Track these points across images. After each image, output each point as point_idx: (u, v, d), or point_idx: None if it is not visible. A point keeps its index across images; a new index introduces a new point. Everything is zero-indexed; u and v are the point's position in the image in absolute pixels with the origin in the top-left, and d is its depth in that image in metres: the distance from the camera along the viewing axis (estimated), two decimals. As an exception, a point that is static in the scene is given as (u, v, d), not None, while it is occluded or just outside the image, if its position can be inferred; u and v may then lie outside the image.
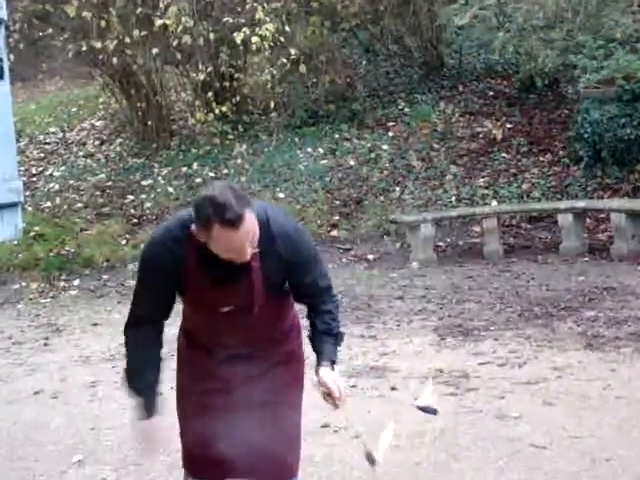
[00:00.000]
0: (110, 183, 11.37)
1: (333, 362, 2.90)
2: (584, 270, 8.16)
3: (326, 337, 2.93)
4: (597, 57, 9.81)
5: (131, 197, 10.99)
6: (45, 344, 7.22)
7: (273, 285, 2.83)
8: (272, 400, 2.91)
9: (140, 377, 2.88)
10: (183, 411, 3.00)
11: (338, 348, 2.96)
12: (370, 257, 9.45)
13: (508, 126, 11.10)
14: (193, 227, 2.65)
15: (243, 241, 2.61)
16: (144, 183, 11.22)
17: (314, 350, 2.94)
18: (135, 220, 10.50)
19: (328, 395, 2.85)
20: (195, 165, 11.32)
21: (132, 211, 10.69)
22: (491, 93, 11.93)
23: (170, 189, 10.93)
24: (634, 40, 10.83)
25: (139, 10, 11.11)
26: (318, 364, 2.89)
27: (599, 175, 9.74)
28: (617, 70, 9.38)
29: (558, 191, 9.93)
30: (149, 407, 2.87)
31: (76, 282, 9.29)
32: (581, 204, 9.06)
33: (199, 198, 2.64)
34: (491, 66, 12.25)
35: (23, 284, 9.28)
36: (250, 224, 2.61)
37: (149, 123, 11.86)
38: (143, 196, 10.94)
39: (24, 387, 6.05)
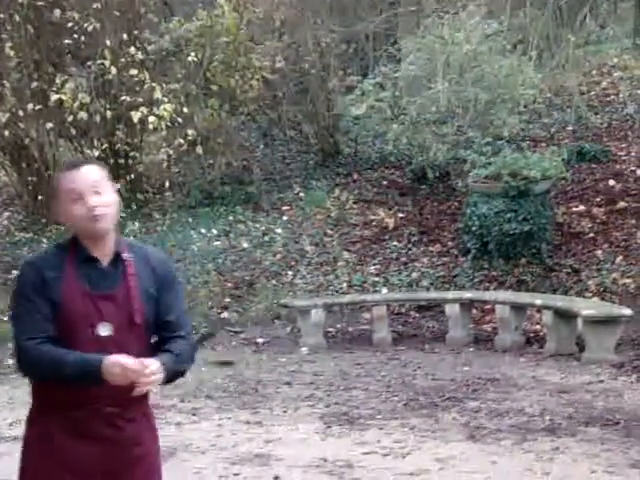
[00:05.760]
0: (-5, 257, 11.06)
1: (164, 364, 2.77)
2: (469, 360, 8.28)
3: (169, 354, 2.85)
4: (485, 153, 10.18)
5: (16, 272, 10.67)
6: None
7: (149, 300, 2.85)
8: None
9: (67, 353, 2.74)
10: None
11: (175, 368, 2.86)
12: (260, 341, 9.39)
13: (400, 215, 11.31)
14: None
15: (86, 183, 2.81)
16: (31, 258, 10.94)
17: None
18: (20, 296, 10.19)
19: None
20: (85, 241, 11.11)
21: (17, 286, 10.37)
22: (385, 182, 12.18)
23: (58, 265, 10.68)
24: (520, 139, 11.32)
25: (34, 84, 11.01)
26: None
27: (486, 267, 9.98)
28: (504, 167, 9.73)
29: (446, 281, 10.12)
30: (95, 357, 2.72)
31: (-48, 358, 8.90)
32: (468, 295, 9.24)
33: None
34: (385, 156, 12.52)
35: None
36: (94, 171, 2.85)
37: (39, 197, 11.64)
38: (29, 271, 10.65)
39: None
